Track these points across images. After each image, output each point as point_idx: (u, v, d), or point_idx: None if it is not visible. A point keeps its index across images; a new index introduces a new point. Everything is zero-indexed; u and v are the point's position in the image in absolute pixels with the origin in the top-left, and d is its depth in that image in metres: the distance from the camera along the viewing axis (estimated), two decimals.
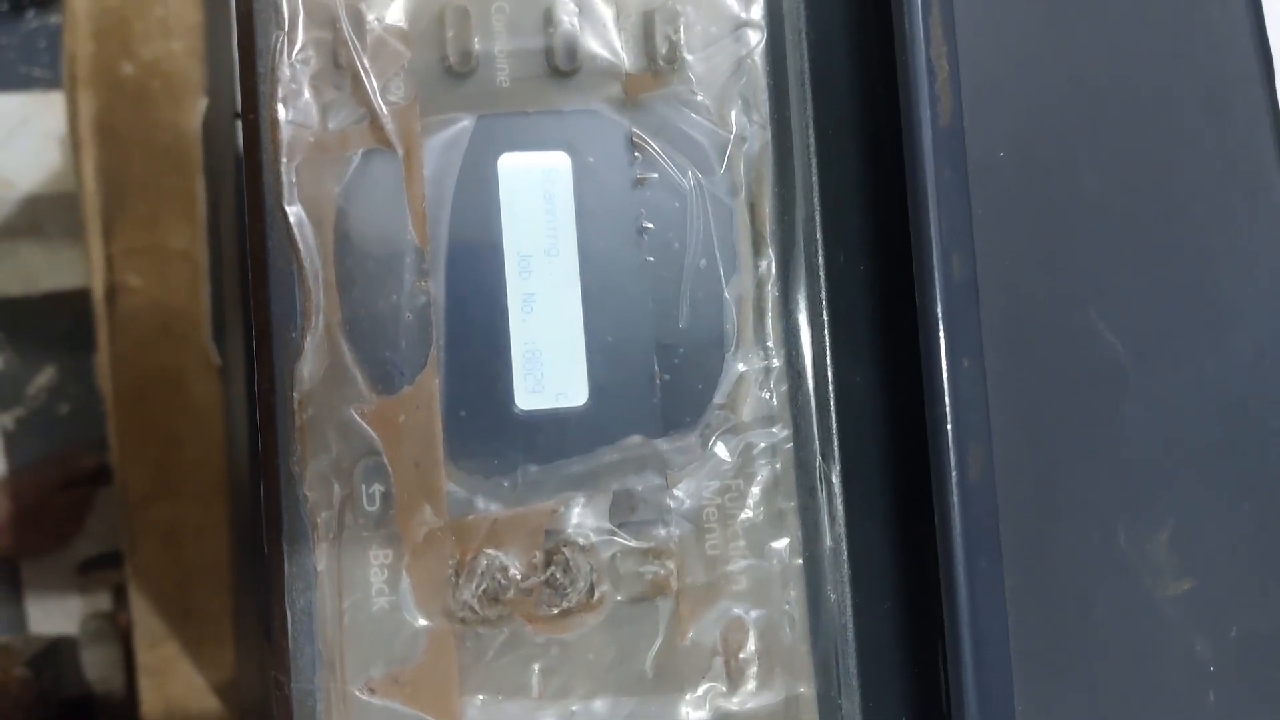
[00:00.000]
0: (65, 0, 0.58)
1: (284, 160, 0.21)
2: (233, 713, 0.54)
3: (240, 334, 0.44)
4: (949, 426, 0.19)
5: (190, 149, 0.54)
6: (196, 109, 0.55)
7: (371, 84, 0.21)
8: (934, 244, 0.19)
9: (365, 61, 0.21)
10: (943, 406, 0.19)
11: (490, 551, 0.21)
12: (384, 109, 0.21)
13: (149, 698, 0.54)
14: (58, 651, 0.61)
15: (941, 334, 0.19)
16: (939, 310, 0.19)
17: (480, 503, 0.22)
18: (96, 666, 0.64)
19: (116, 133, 0.56)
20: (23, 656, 0.57)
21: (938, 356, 0.19)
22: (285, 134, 0.21)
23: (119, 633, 0.64)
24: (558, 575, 0.22)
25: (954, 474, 0.19)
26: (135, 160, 0.55)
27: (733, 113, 0.23)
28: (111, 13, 0.57)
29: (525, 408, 0.22)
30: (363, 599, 0.21)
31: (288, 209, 0.21)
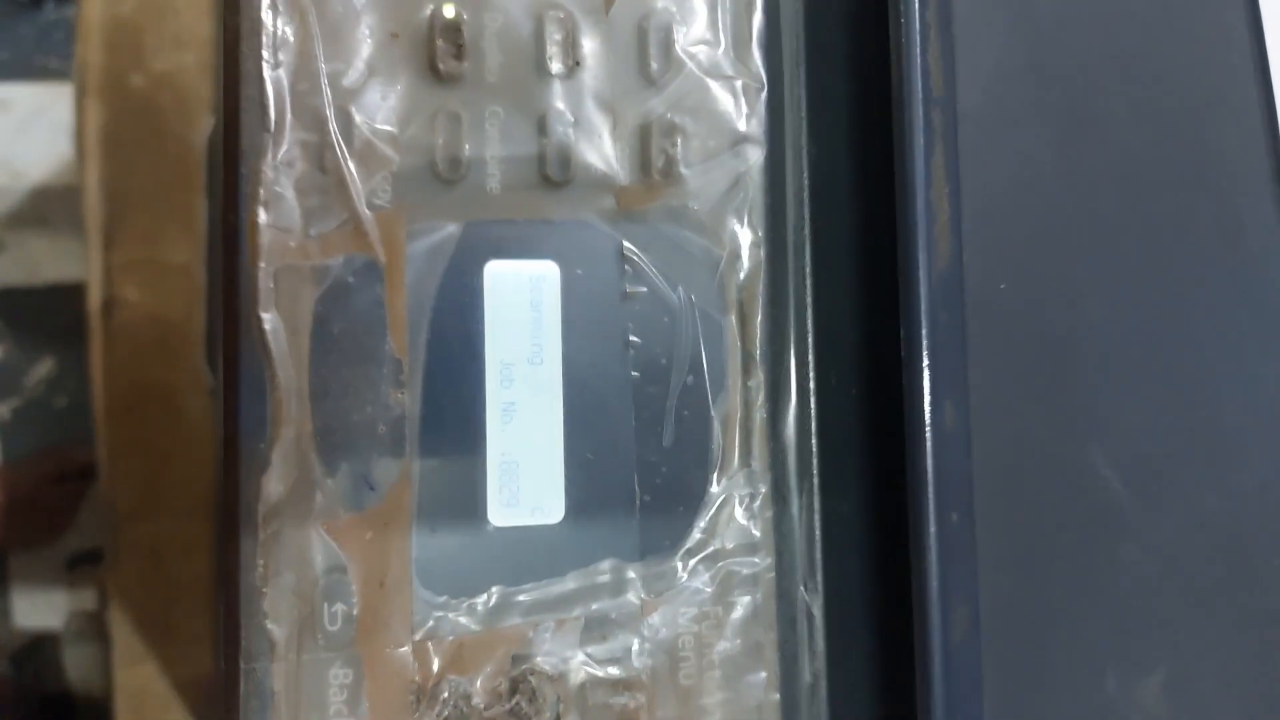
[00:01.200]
0: (79, 8, 0.57)
1: (262, 265, 0.20)
2: None
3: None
4: (933, 584, 0.18)
5: (194, 165, 0.54)
6: (203, 125, 0.55)
7: (357, 189, 0.21)
8: (926, 392, 0.19)
9: (351, 166, 0.21)
10: (929, 563, 0.19)
11: (453, 677, 0.21)
12: (368, 215, 0.21)
13: (125, 718, 0.54)
14: (40, 647, 0.61)
15: (930, 487, 0.19)
16: (928, 462, 0.19)
17: (447, 624, 0.21)
18: (79, 665, 0.63)
19: (122, 144, 0.55)
20: (5, 651, 0.57)
21: (926, 510, 0.19)
22: (265, 238, 0.20)
23: (103, 632, 0.64)
24: (523, 705, 0.21)
25: (937, 633, 0.19)
26: (140, 172, 0.55)
27: (728, 228, 0.22)
28: (124, 23, 0.56)
29: (499, 524, 0.21)
30: (320, 719, 0.21)
31: (263, 315, 0.20)
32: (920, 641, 0.19)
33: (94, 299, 0.54)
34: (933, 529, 0.19)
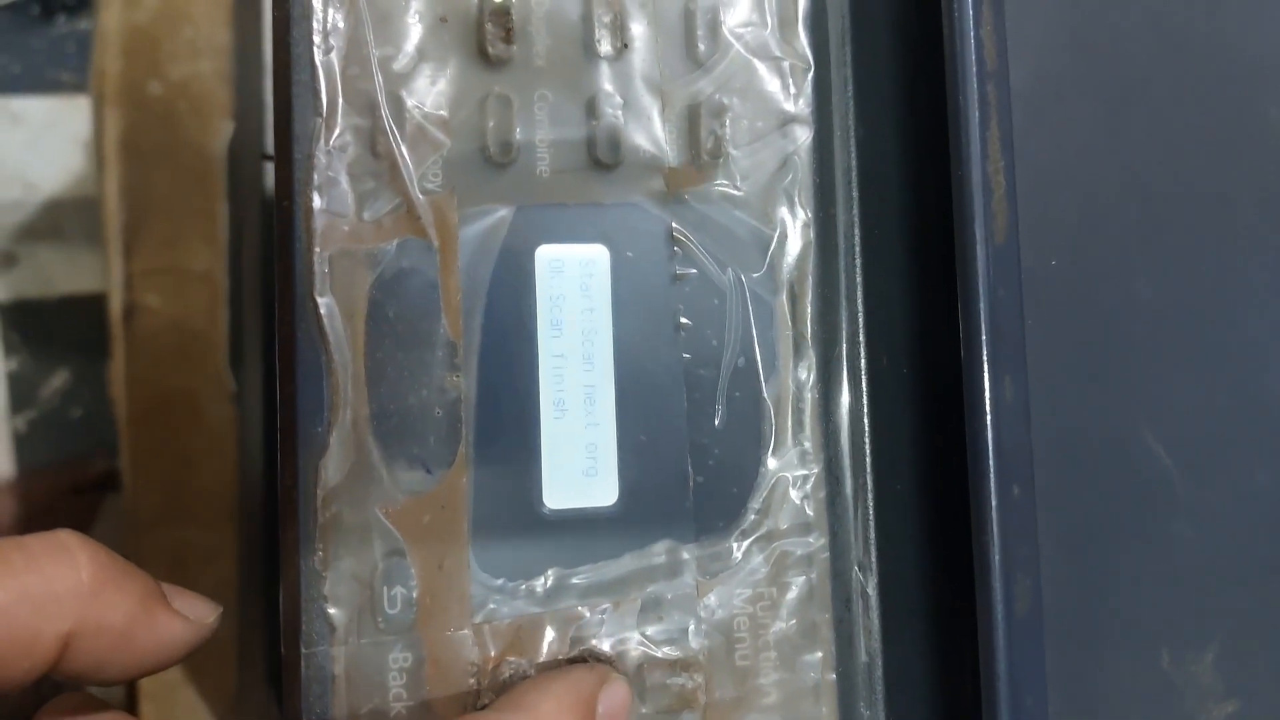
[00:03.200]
0: (96, 17, 0.58)
1: (317, 250, 0.20)
2: None
3: (259, 362, 0.44)
4: (996, 557, 0.18)
5: (214, 172, 0.54)
6: (222, 132, 0.55)
7: (409, 172, 0.21)
8: (985, 366, 0.19)
9: (404, 150, 0.21)
10: (990, 536, 0.19)
11: (513, 659, 0.21)
12: (421, 198, 0.21)
13: None
14: None
15: (991, 461, 0.19)
16: (989, 435, 0.19)
17: (505, 606, 0.21)
18: None
19: (141, 151, 0.56)
20: None
21: (987, 484, 0.19)
22: (319, 223, 0.20)
23: None
24: None
25: (999, 607, 0.19)
26: (159, 180, 0.55)
27: (777, 209, 0.22)
28: (141, 32, 0.57)
29: (554, 507, 0.21)
30: (381, 705, 0.21)
31: (319, 300, 0.20)
32: (983, 615, 0.19)
33: (115, 306, 0.54)
34: (994, 502, 0.19)
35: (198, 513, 0.53)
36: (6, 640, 0.18)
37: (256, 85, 0.49)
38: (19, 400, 0.66)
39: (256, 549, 0.48)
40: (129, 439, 0.52)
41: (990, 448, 0.19)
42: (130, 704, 0.56)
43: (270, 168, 0.39)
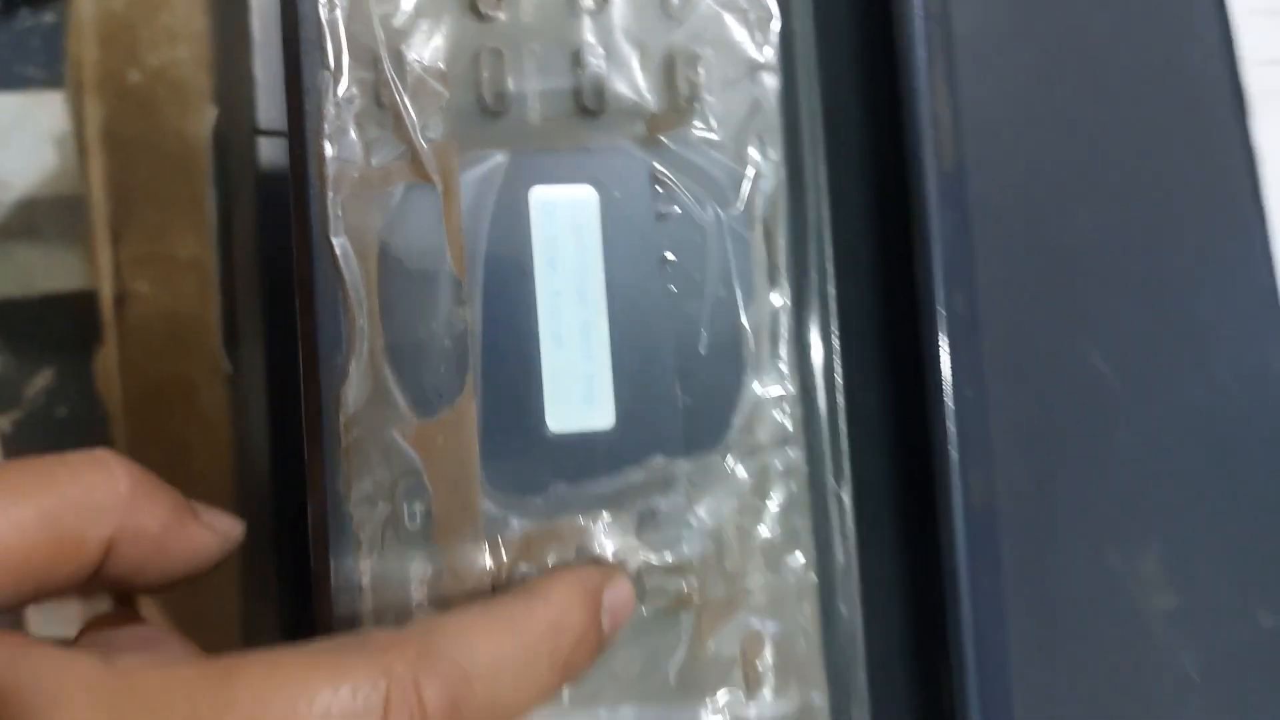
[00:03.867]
0: (69, 6, 0.58)
1: (330, 194, 0.22)
2: None
3: (258, 343, 0.45)
4: (953, 453, 0.21)
5: (198, 157, 0.55)
6: (204, 117, 0.56)
7: (412, 121, 0.23)
8: (937, 281, 0.21)
9: (406, 101, 0.23)
10: (947, 436, 0.21)
11: (524, 566, 0.23)
12: (424, 145, 0.23)
13: None
14: None
15: (945, 365, 0.21)
16: (943, 343, 0.21)
17: (515, 520, 0.23)
18: None
19: (123, 140, 0.56)
20: None
21: (941, 387, 0.21)
22: (331, 169, 0.22)
23: None
24: None
25: (957, 498, 0.21)
26: (143, 168, 0.56)
27: (749, 150, 0.24)
28: (117, 19, 0.57)
29: (556, 429, 0.23)
30: (405, 609, 0.22)
31: (334, 240, 0.22)
32: (943, 505, 0.21)
33: (105, 296, 0.54)
34: (949, 403, 0.21)
35: (197, 496, 0.54)
36: (56, 543, 0.19)
37: (242, 65, 0.50)
38: (3, 401, 0.67)
39: (258, 531, 0.49)
40: (124, 427, 0.53)
41: (944, 355, 0.21)
42: None
43: (264, 143, 0.40)
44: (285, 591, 0.34)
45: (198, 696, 0.17)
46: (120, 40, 0.55)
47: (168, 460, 0.55)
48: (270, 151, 0.37)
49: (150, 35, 0.55)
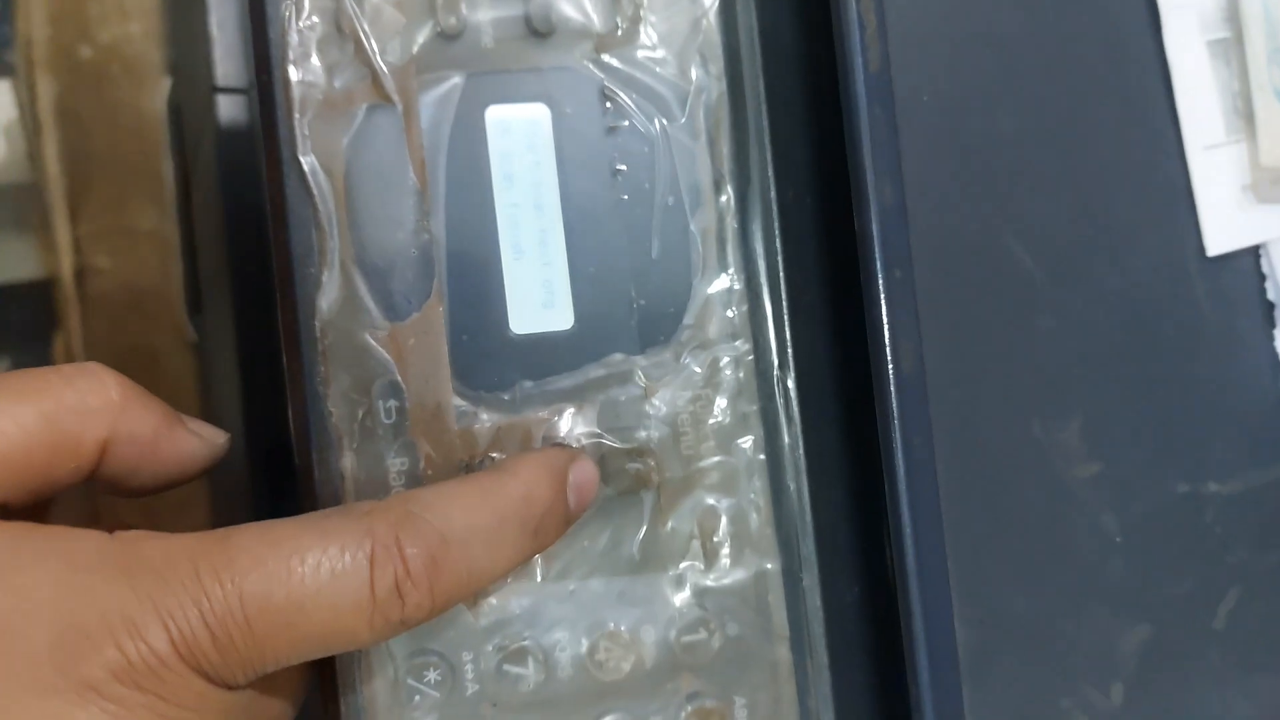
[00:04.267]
0: None
1: (297, 116, 0.24)
2: None
3: (225, 308, 0.46)
4: (884, 326, 0.23)
5: (153, 130, 0.56)
6: (158, 90, 0.57)
7: (371, 46, 0.24)
8: (868, 173, 0.23)
9: (365, 26, 0.24)
10: (879, 310, 0.23)
11: (494, 455, 0.25)
12: (384, 68, 0.24)
13: None
14: None
15: (876, 249, 0.23)
16: (874, 229, 0.23)
17: (484, 414, 0.25)
18: None
19: (78, 116, 0.56)
20: None
21: (874, 268, 0.23)
22: (297, 93, 0.24)
23: None
24: None
25: (890, 367, 0.23)
26: (98, 143, 0.56)
27: (692, 67, 0.26)
28: None
29: (519, 331, 0.25)
30: (381, 496, 0.24)
31: (302, 159, 0.24)
32: (877, 373, 0.23)
33: (66, 271, 0.55)
34: (881, 281, 0.23)
35: None
36: (55, 444, 0.21)
37: (199, 31, 0.51)
38: None
39: (229, 496, 0.50)
40: None
41: (875, 239, 0.23)
42: None
43: (224, 100, 0.41)
44: None
45: (198, 557, 0.19)
46: (71, 17, 0.56)
47: None
48: (230, 110, 0.38)
49: (100, 11, 0.56)
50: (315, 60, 0.24)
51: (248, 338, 0.35)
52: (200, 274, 0.51)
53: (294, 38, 0.24)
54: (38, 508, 0.23)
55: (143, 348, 0.55)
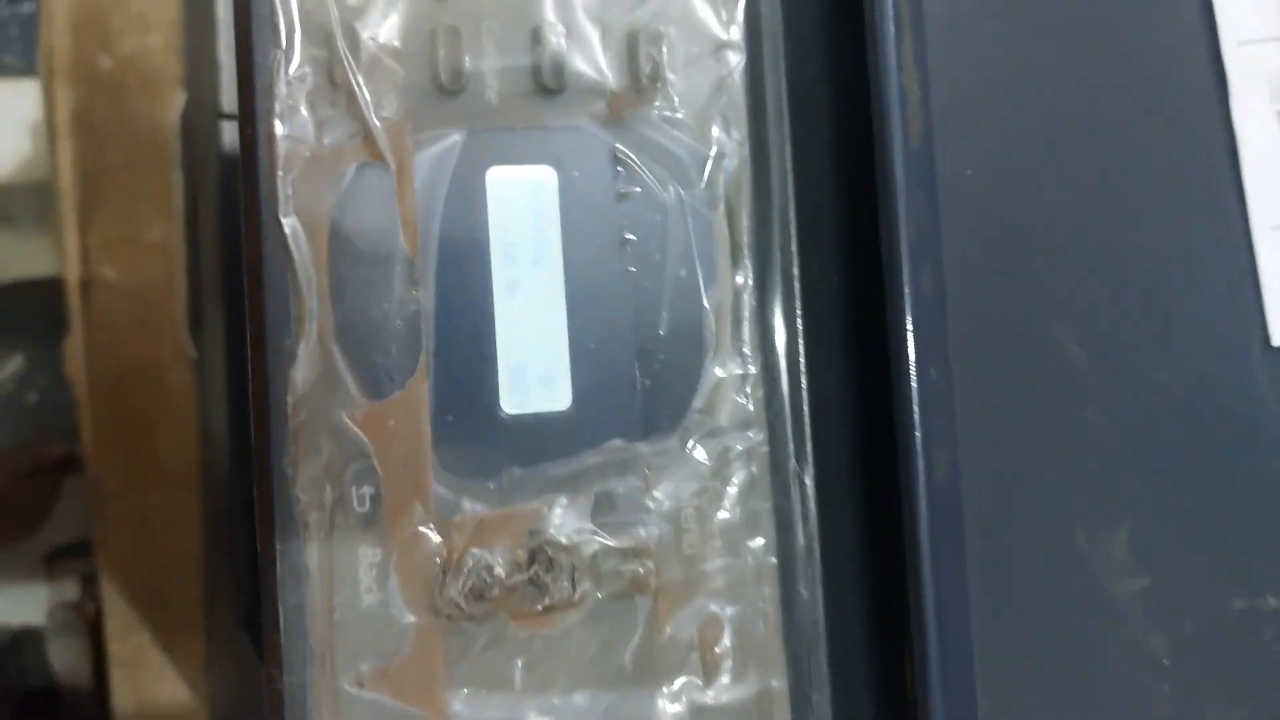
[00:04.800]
0: None
1: (280, 174, 0.22)
2: (204, 702, 0.54)
3: (220, 327, 0.45)
4: (916, 433, 0.20)
5: (167, 143, 0.55)
6: (174, 103, 0.55)
7: (365, 100, 0.22)
8: (904, 259, 0.20)
9: (360, 79, 0.22)
10: (911, 414, 0.20)
11: (476, 550, 0.22)
12: (377, 124, 0.22)
13: (120, 689, 0.54)
14: (22, 643, 0.61)
15: (910, 344, 0.21)
16: (908, 322, 0.21)
17: (467, 503, 0.23)
18: (63, 657, 0.64)
19: (94, 126, 0.56)
20: None
21: (906, 366, 0.20)
22: (282, 149, 0.22)
23: (86, 623, 0.64)
24: (541, 573, 0.23)
25: (921, 478, 0.20)
26: (112, 153, 0.55)
27: (713, 129, 0.24)
28: (90, 6, 0.57)
29: (511, 411, 0.23)
30: (352, 596, 0.22)
31: (283, 220, 0.22)
32: (906, 484, 0.21)
33: (72, 281, 0.54)
34: (914, 382, 0.20)
35: (161, 479, 0.54)
36: None
37: (209, 52, 0.49)
38: None
39: (222, 514, 0.49)
40: (90, 411, 0.53)
41: (909, 332, 0.21)
42: (99, 670, 0.57)
43: (228, 127, 0.40)
44: (244, 573, 0.33)
45: None
46: (92, 27, 0.55)
47: (134, 443, 0.54)
48: (234, 135, 0.36)
49: (122, 22, 0.55)
50: (304, 114, 0.22)
51: (239, 358, 0.33)
52: (202, 290, 0.49)
53: (282, 89, 0.22)
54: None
55: (145, 362, 0.54)
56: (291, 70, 0.22)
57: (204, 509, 0.53)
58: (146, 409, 0.54)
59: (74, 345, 0.56)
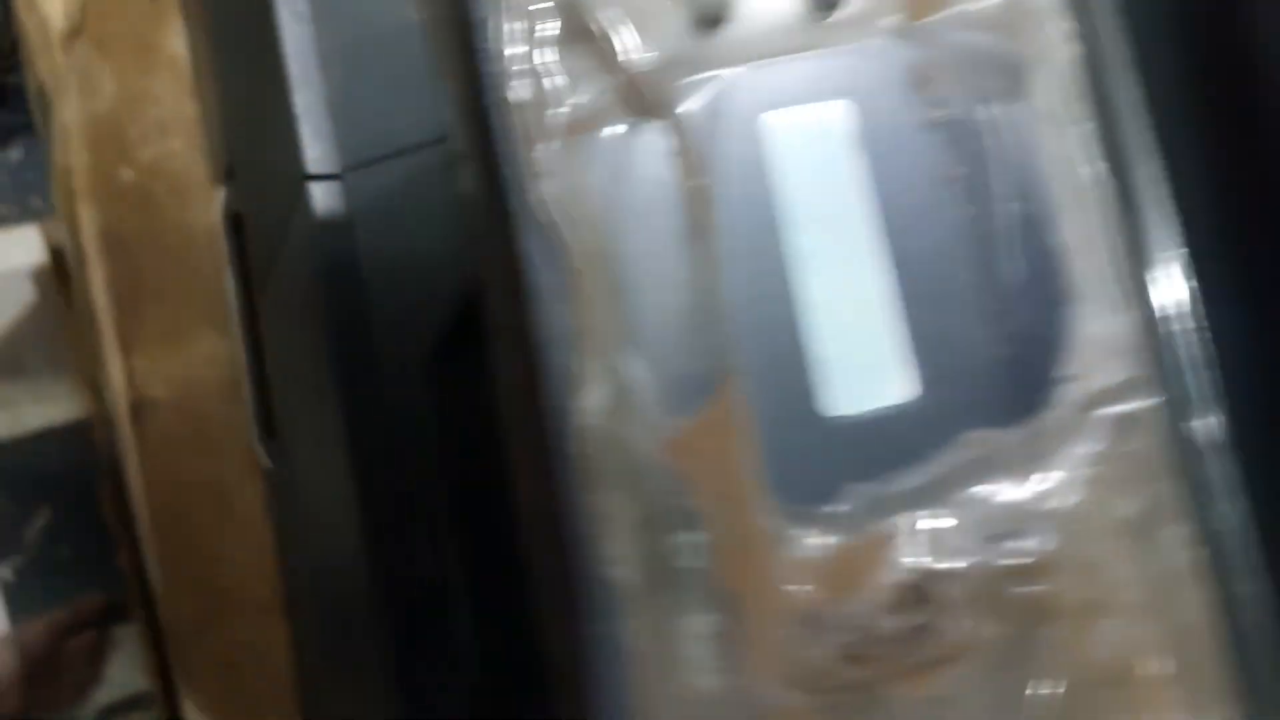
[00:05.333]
0: (53, 115, 0.56)
1: (526, 150, 0.17)
2: None
3: (316, 423, 0.40)
4: None
5: (203, 248, 0.52)
6: (208, 204, 0.53)
7: (618, 50, 0.17)
8: None
9: (605, 26, 0.17)
10: None
11: (837, 597, 0.17)
12: (634, 76, 0.17)
13: None
14: None
15: None
16: None
17: (808, 538, 0.17)
18: None
19: (123, 242, 0.54)
20: None
21: None
22: (525, 117, 0.17)
23: None
24: (917, 615, 0.17)
25: None
26: (146, 268, 0.53)
27: (1028, 27, 0.19)
28: (104, 120, 0.55)
29: (837, 412, 0.18)
30: (688, 680, 0.17)
31: (542, 202, 0.17)
32: None
33: (121, 405, 0.51)
34: None
35: (242, 610, 0.50)
36: None
37: (278, 109, 0.46)
38: (3, 548, 0.63)
39: (343, 624, 0.44)
40: (154, 545, 0.50)
41: None
42: None
43: (313, 187, 0.35)
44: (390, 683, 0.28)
45: None
46: (109, 141, 0.52)
47: (204, 574, 0.50)
48: (325, 196, 0.32)
49: (140, 131, 0.52)
50: (548, 74, 0.17)
51: (363, 446, 0.29)
52: (268, 388, 0.45)
53: (518, 50, 0.17)
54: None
55: (207, 481, 0.51)
56: (527, 28, 0.17)
57: (293, 635, 0.48)
58: (216, 535, 0.51)
59: (131, 475, 0.53)
